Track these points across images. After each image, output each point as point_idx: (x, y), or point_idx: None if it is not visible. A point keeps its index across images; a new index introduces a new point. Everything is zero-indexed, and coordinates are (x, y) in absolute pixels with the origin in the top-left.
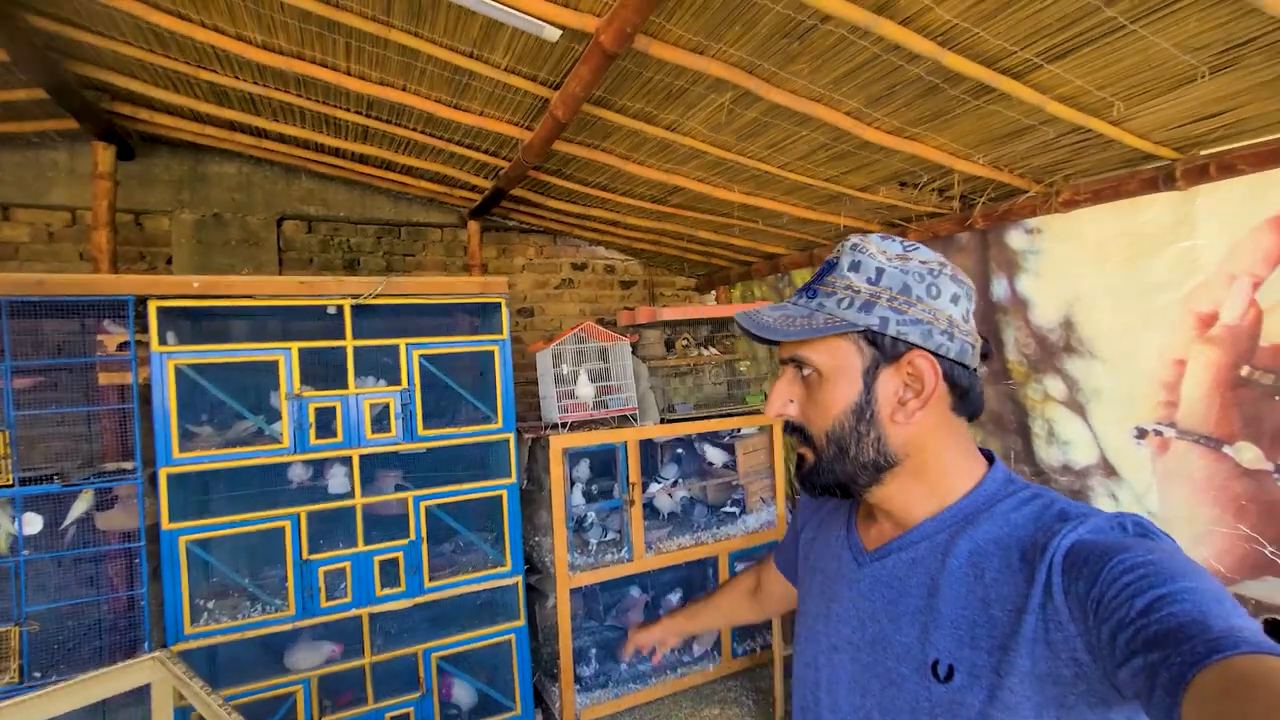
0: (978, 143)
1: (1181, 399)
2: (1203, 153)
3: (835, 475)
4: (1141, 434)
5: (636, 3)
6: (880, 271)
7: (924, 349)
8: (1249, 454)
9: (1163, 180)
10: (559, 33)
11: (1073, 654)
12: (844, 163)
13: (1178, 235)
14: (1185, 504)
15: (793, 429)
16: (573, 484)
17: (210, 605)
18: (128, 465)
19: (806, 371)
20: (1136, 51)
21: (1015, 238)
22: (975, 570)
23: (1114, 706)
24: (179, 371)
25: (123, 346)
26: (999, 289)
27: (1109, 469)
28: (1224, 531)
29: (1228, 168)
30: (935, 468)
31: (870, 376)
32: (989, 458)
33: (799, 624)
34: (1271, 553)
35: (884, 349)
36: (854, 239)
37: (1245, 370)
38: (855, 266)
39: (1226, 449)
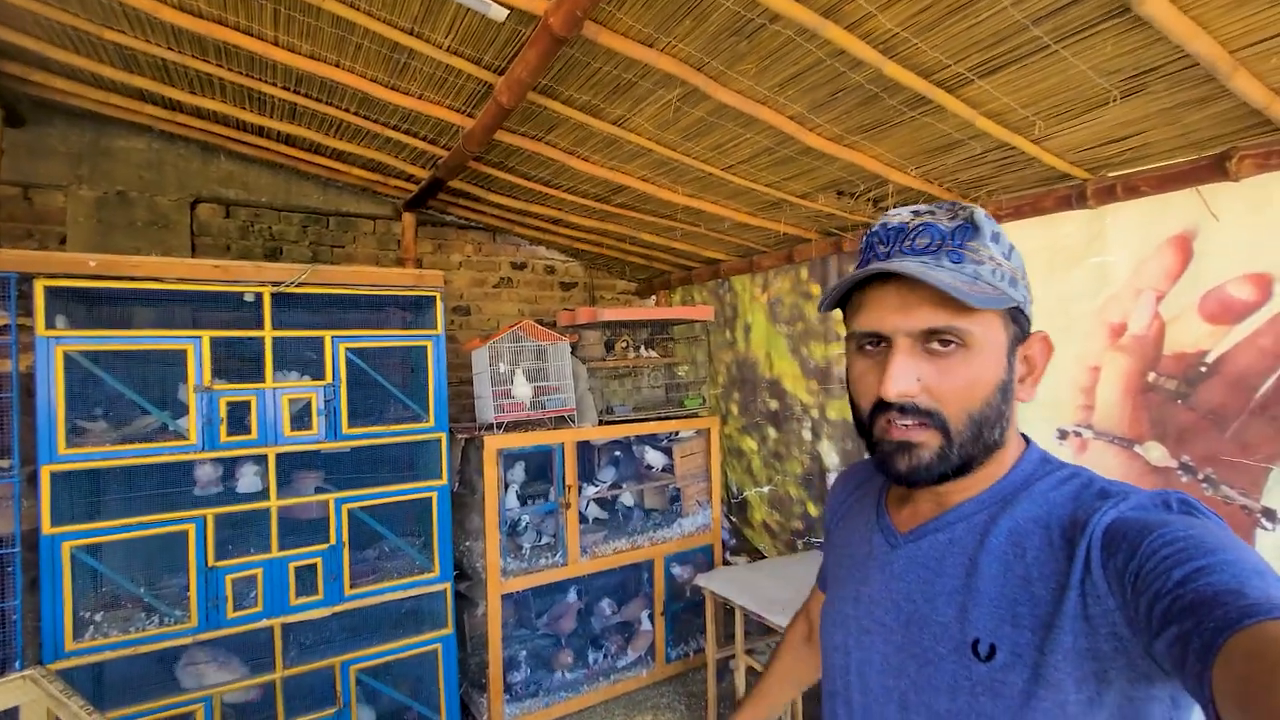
0: (911, 154)
1: (1097, 403)
2: (1111, 174)
3: (959, 460)
4: (1063, 435)
5: None
6: (1011, 248)
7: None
8: (1156, 452)
9: (1075, 198)
10: (506, 13)
11: (1112, 628)
12: (786, 168)
13: (1090, 251)
14: None
15: (914, 411)
16: (507, 486)
17: (98, 618)
18: (3, 462)
19: (949, 345)
20: (1058, 72)
21: None
22: (1016, 549)
23: (1156, 682)
24: (69, 359)
25: (2, 330)
26: None
27: None
28: None
29: (1132, 189)
30: (1006, 447)
31: (1012, 355)
32: (1024, 437)
33: (825, 611)
34: None
35: (1023, 327)
36: (974, 207)
37: (1151, 377)
38: (996, 238)
39: (1137, 448)
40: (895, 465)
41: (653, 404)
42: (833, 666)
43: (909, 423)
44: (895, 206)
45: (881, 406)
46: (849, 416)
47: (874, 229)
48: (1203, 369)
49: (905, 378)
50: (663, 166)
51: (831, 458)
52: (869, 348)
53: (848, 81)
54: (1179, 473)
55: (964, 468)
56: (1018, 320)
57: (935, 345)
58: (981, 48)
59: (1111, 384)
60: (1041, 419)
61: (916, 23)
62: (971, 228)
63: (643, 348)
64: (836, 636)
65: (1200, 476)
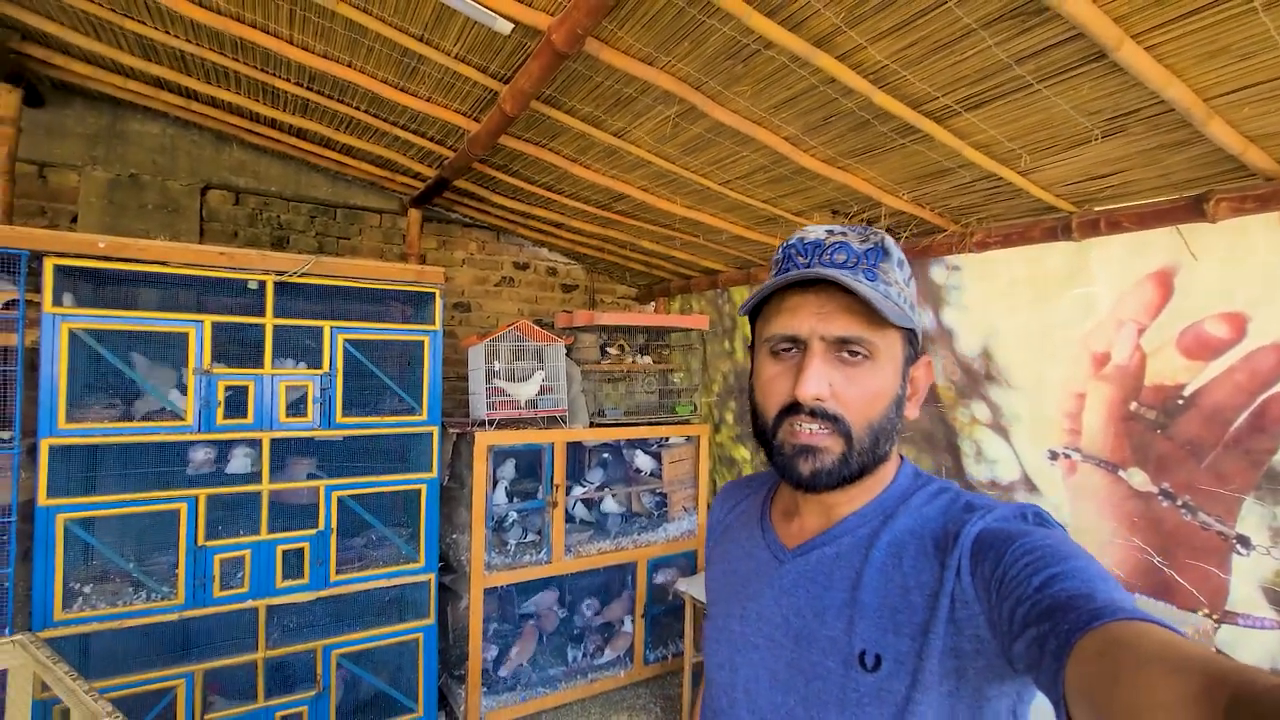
0: (903, 179)
1: (1083, 428)
2: (1095, 209)
3: (857, 467)
4: (1054, 456)
5: (588, 6)
6: (910, 277)
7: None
8: (1139, 478)
9: (1061, 230)
10: (511, 26)
11: (975, 630)
12: (781, 186)
13: (1076, 282)
14: (1091, 518)
15: (822, 415)
16: (496, 483)
17: (87, 590)
18: (4, 434)
19: (857, 356)
20: (1041, 110)
21: (938, 272)
22: (895, 560)
23: (1006, 681)
24: (74, 336)
25: (10, 305)
26: (927, 319)
27: (1030, 485)
28: (1121, 543)
29: (1115, 224)
30: (890, 461)
31: (905, 373)
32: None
33: (708, 627)
34: (1159, 562)
35: (915, 350)
36: (883, 233)
37: (1133, 406)
38: (901, 264)
39: (1121, 473)
40: (799, 469)
41: (646, 409)
42: (717, 684)
43: (815, 427)
44: (886, 227)
45: (789, 411)
46: None
47: (791, 241)
48: (1180, 401)
49: (819, 380)
50: (662, 178)
51: None
52: (782, 352)
53: (840, 107)
54: (1159, 498)
55: (860, 474)
56: (912, 343)
57: (845, 354)
58: (968, 83)
59: (1096, 411)
60: (1031, 439)
61: (904, 57)
62: (882, 251)
63: (638, 353)
64: (722, 653)
65: (1179, 503)
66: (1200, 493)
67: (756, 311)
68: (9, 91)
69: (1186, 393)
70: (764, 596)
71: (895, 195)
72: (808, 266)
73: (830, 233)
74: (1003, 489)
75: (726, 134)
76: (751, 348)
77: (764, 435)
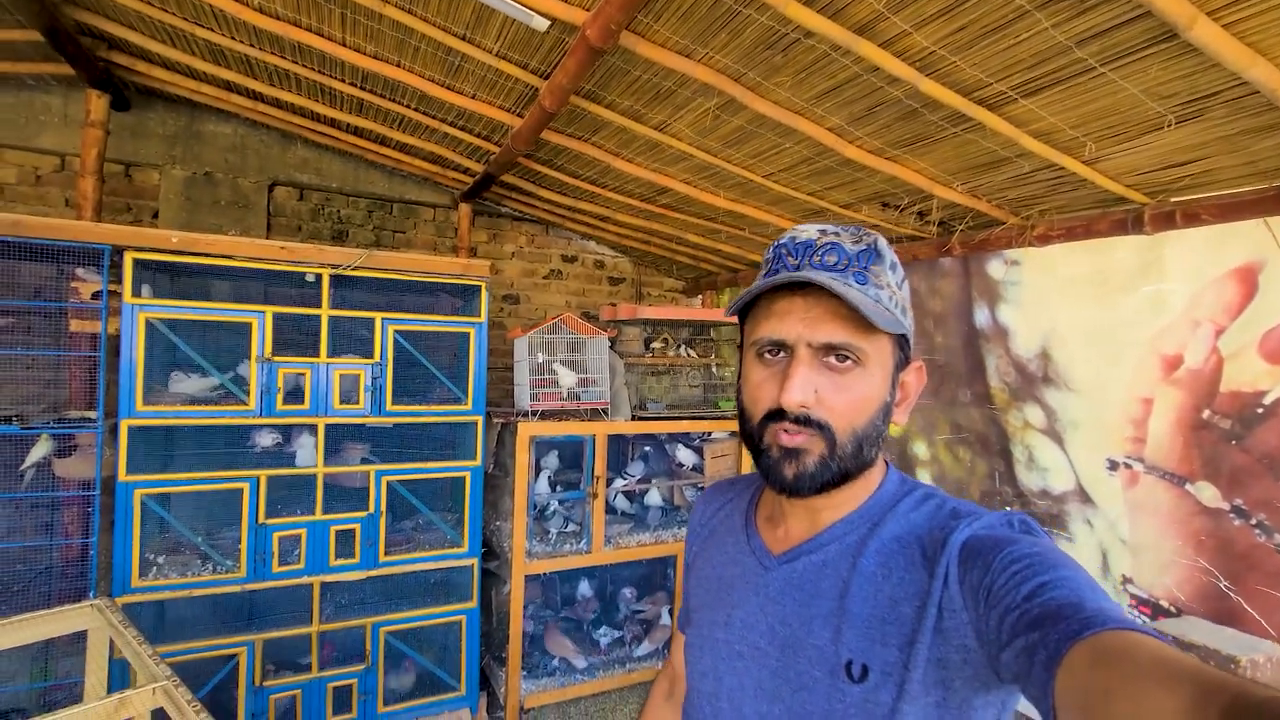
0: (956, 169)
1: (1149, 436)
2: (1171, 199)
3: (838, 471)
4: (1113, 466)
5: (621, 0)
6: (903, 280)
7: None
8: (1208, 493)
9: (1131, 223)
10: (547, 23)
11: (963, 640)
12: (827, 178)
13: (1146, 278)
14: (1152, 534)
15: (806, 422)
16: (539, 473)
17: (160, 560)
18: (91, 414)
19: (845, 361)
20: (1106, 94)
21: (995, 267)
22: (884, 569)
23: (992, 690)
24: (150, 325)
25: (97, 295)
26: (981, 316)
27: (1084, 496)
28: (1185, 563)
29: (1192, 216)
30: (875, 465)
31: (895, 379)
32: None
33: (690, 633)
34: (1226, 587)
35: (906, 354)
36: (876, 234)
37: (1206, 414)
38: (894, 267)
39: (1189, 486)
40: (782, 472)
41: (690, 403)
42: (699, 693)
43: (807, 432)
44: (940, 220)
45: (774, 416)
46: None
47: (782, 240)
48: (1260, 410)
49: (804, 388)
50: (704, 171)
51: None
52: (768, 356)
53: (886, 96)
54: (1231, 516)
55: (843, 479)
56: (903, 347)
57: (833, 360)
58: (1023, 68)
59: (1164, 418)
60: (1088, 447)
61: (953, 42)
62: (875, 253)
63: (683, 347)
64: (705, 661)
65: (1253, 521)
66: (1278, 512)
67: (746, 311)
68: (98, 96)
69: (1267, 401)
70: (749, 603)
71: (948, 186)
72: (797, 268)
73: (823, 233)
74: (1054, 499)
75: (768, 126)
76: (740, 348)
77: (750, 439)
